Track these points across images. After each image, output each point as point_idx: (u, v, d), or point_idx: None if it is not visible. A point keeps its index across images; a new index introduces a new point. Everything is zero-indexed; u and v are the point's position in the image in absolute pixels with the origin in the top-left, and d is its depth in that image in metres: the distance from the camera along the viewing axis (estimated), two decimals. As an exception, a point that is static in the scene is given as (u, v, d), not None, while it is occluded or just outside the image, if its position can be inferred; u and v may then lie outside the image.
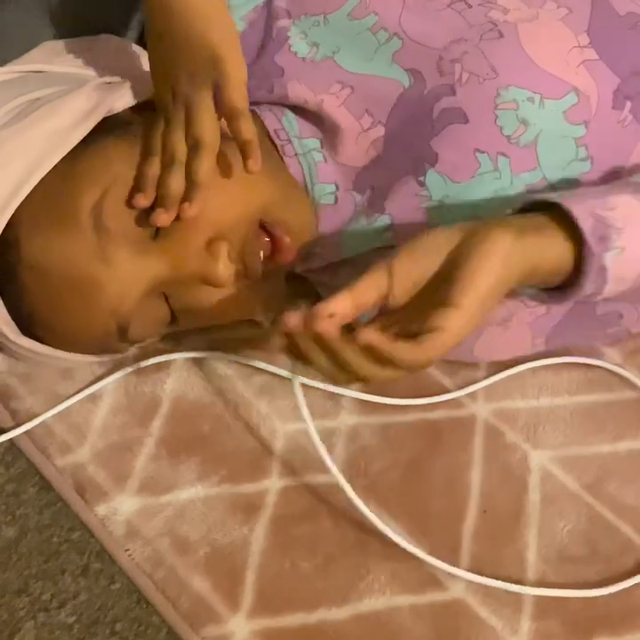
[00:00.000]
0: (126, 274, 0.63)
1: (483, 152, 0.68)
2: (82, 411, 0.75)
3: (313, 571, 0.67)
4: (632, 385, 0.78)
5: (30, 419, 0.74)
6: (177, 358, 0.78)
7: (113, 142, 0.64)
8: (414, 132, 0.69)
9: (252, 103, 0.73)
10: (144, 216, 0.62)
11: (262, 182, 0.67)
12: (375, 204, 0.71)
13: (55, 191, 0.62)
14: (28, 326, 0.65)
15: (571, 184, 0.70)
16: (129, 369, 0.77)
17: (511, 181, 0.68)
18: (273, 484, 0.72)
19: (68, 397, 0.75)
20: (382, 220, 0.70)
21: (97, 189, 0.62)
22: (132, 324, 0.65)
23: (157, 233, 0.63)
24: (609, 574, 0.67)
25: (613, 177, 0.71)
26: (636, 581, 0.66)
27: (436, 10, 0.71)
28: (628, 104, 0.70)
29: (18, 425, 0.74)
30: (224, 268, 0.64)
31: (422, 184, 0.69)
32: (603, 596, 0.66)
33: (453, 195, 0.68)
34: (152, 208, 0.62)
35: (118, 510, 0.70)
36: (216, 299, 0.67)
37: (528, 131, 0.68)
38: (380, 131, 0.70)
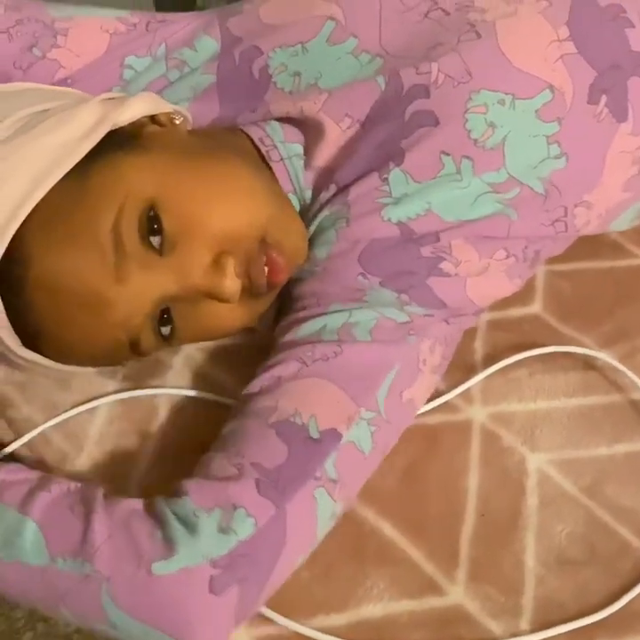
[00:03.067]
0: (136, 291, 0.62)
1: (448, 154, 0.69)
2: (79, 419, 0.75)
3: (312, 578, 0.67)
4: (629, 387, 0.78)
5: (27, 428, 0.74)
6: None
7: (122, 157, 0.64)
8: (387, 132, 0.70)
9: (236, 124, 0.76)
10: (150, 231, 0.62)
11: (264, 197, 0.67)
12: (337, 198, 0.72)
13: (68, 209, 0.61)
14: (31, 339, 0.65)
15: (543, 181, 0.70)
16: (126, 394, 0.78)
17: (470, 182, 0.69)
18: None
19: (66, 408, 0.75)
20: (341, 212, 0.72)
21: (113, 207, 0.61)
22: (142, 338, 0.65)
23: (163, 249, 0.63)
24: (607, 577, 0.67)
25: (589, 174, 0.72)
26: (637, 592, 0.66)
27: (413, 22, 0.72)
28: (604, 98, 0.71)
29: (15, 435, 0.73)
30: (231, 283, 0.64)
31: (385, 180, 0.70)
32: (604, 600, 0.66)
33: (411, 193, 0.70)
34: (160, 225, 0.62)
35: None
36: (218, 314, 0.67)
37: (495, 133, 0.69)
38: (356, 129, 0.72)
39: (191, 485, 0.61)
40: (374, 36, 0.72)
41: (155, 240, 0.62)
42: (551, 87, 0.69)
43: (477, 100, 0.69)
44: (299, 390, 0.65)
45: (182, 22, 0.78)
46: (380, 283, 0.70)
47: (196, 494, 0.60)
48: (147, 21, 0.77)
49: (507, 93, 0.69)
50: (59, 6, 0.77)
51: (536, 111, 0.69)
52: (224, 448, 0.64)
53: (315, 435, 0.62)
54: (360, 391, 0.65)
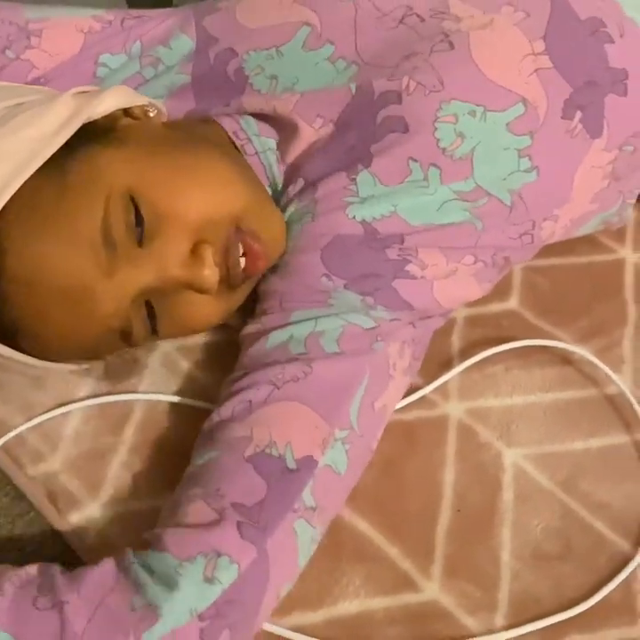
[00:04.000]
0: (118, 284, 0.63)
1: (416, 161, 0.69)
2: (53, 419, 0.75)
3: (287, 575, 0.67)
4: (605, 382, 0.78)
5: (3, 430, 0.73)
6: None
7: (99, 150, 0.64)
8: (358, 135, 0.70)
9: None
10: (131, 224, 0.62)
11: (240, 186, 0.67)
12: (305, 194, 0.72)
13: (47, 202, 0.61)
14: (7, 334, 0.64)
15: (512, 193, 0.70)
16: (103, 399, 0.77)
17: (436, 190, 0.69)
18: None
19: (42, 408, 0.75)
20: (308, 208, 0.71)
21: (100, 202, 0.61)
22: (134, 329, 0.65)
23: (143, 241, 0.63)
24: (583, 571, 0.67)
25: (559, 188, 0.72)
26: (612, 587, 0.66)
27: (388, 28, 0.72)
28: (579, 114, 0.70)
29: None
30: (210, 272, 0.64)
31: (353, 181, 0.70)
32: (579, 595, 0.66)
33: (378, 195, 0.70)
34: (139, 216, 0.62)
35: (91, 519, 0.69)
36: (196, 306, 0.67)
37: (464, 143, 0.69)
38: (329, 129, 0.72)
39: (169, 538, 0.58)
40: (350, 42, 0.72)
41: (137, 231, 0.63)
42: (524, 101, 0.69)
43: (448, 109, 0.69)
44: (271, 416, 0.64)
45: (158, 19, 0.77)
46: (344, 285, 0.69)
47: (177, 547, 0.57)
48: (122, 18, 0.77)
49: (478, 105, 0.69)
50: (34, 8, 0.76)
51: (507, 124, 0.69)
52: (201, 484, 0.61)
53: (291, 465, 0.61)
54: (332, 410, 0.64)
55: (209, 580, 0.56)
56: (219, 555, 0.57)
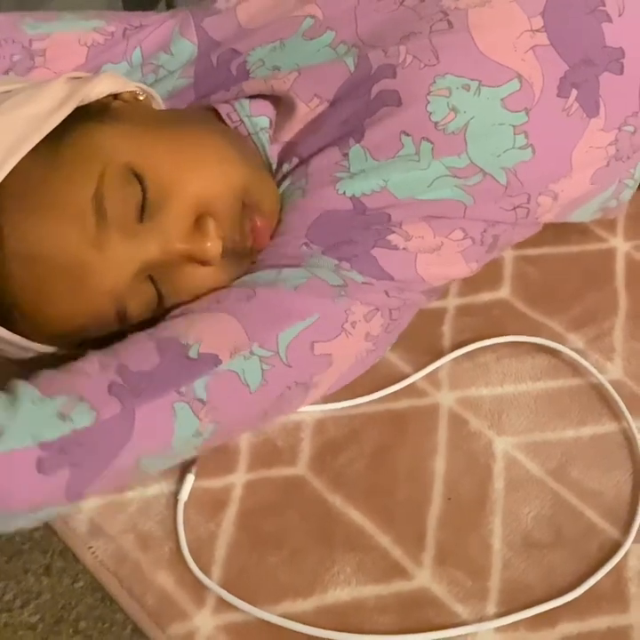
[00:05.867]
0: (116, 259, 0.63)
1: (408, 135, 0.69)
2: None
3: (279, 564, 0.67)
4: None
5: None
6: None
7: (95, 127, 0.65)
8: (352, 109, 0.71)
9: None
10: (131, 200, 0.63)
11: (240, 161, 0.68)
12: (298, 171, 0.72)
13: (43, 178, 0.62)
14: (5, 314, 0.64)
15: (507, 171, 0.70)
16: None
17: (429, 165, 0.69)
18: (239, 478, 0.72)
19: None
20: (299, 183, 0.72)
21: (93, 175, 0.62)
22: (129, 307, 0.66)
23: (143, 215, 0.64)
24: (574, 559, 0.68)
25: (555, 167, 0.72)
26: (602, 574, 0.66)
27: (389, 11, 0.73)
28: (575, 92, 0.70)
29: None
30: (213, 244, 0.65)
31: (345, 156, 0.70)
32: (570, 582, 0.66)
33: (369, 170, 0.70)
34: (143, 193, 0.63)
35: (81, 508, 0.69)
36: (199, 278, 0.67)
37: (457, 118, 0.68)
38: (325, 107, 0.72)
39: (45, 374, 0.60)
40: (351, 27, 0.73)
41: (138, 206, 0.63)
42: (519, 77, 0.69)
43: (441, 83, 0.69)
44: (199, 320, 0.65)
45: (156, 23, 0.78)
46: (322, 251, 0.69)
47: (46, 382, 0.59)
48: (123, 28, 0.77)
49: (473, 79, 0.69)
50: (35, 23, 0.75)
51: (502, 100, 0.69)
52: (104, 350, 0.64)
53: (193, 355, 0.62)
54: (259, 328, 0.64)
55: (62, 416, 0.57)
56: (81, 399, 0.58)
